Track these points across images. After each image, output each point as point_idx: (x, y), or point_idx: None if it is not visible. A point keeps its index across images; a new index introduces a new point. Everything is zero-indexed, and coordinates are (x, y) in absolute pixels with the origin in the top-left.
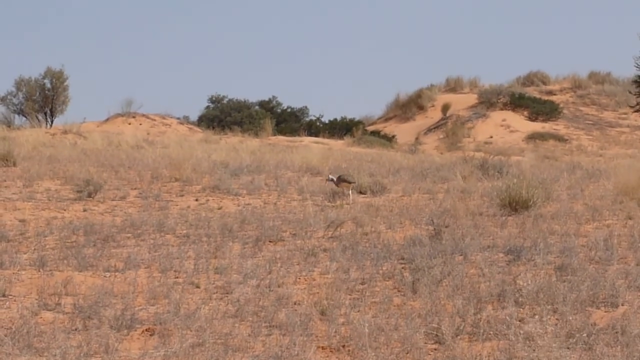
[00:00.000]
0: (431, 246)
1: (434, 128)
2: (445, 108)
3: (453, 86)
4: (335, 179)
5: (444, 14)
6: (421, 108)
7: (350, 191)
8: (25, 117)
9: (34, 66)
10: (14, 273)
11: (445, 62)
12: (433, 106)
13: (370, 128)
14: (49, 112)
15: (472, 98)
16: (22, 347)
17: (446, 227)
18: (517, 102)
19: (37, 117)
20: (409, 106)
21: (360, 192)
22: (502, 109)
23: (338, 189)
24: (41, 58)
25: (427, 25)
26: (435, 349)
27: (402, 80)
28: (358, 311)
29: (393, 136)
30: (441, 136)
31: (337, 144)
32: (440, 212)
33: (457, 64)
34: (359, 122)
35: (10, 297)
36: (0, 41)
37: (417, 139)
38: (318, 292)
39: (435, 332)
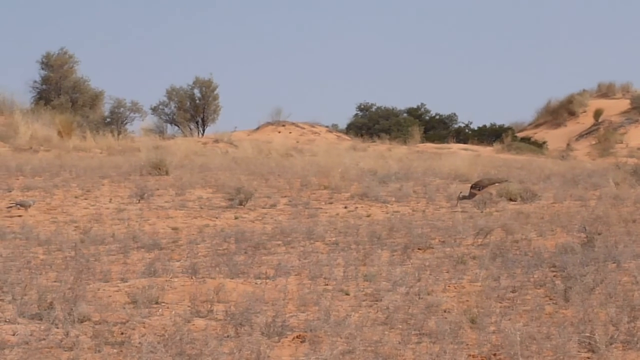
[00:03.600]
0: (583, 254)
1: (586, 134)
2: (598, 114)
3: (605, 92)
4: (472, 191)
5: (595, 18)
6: (572, 114)
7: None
8: (178, 126)
9: (186, 76)
10: (166, 280)
11: (596, 68)
12: (585, 112)
13: (520, 134)
14: (200, 121)
15: (624, 103)
16: (174, 354)
17: (598, 234)
18: None
19: (189, 127)
20: (559, 112)
21: (510, 199)
22: None
23: (484, 195)
24: (193, 67)
25: (578, 30)
26: (588, 358)
27: (552, 86)
28: (509, 319)
29: (543, 142)
30: (593, 142)
31: (485, 151)
32: (592, 219)
33: (609, 69)
34: (509, 129)
35: (163, 304)
36: (152, 52)
37: (568, 145)
38: (468, 300)
39: (588, 341)
